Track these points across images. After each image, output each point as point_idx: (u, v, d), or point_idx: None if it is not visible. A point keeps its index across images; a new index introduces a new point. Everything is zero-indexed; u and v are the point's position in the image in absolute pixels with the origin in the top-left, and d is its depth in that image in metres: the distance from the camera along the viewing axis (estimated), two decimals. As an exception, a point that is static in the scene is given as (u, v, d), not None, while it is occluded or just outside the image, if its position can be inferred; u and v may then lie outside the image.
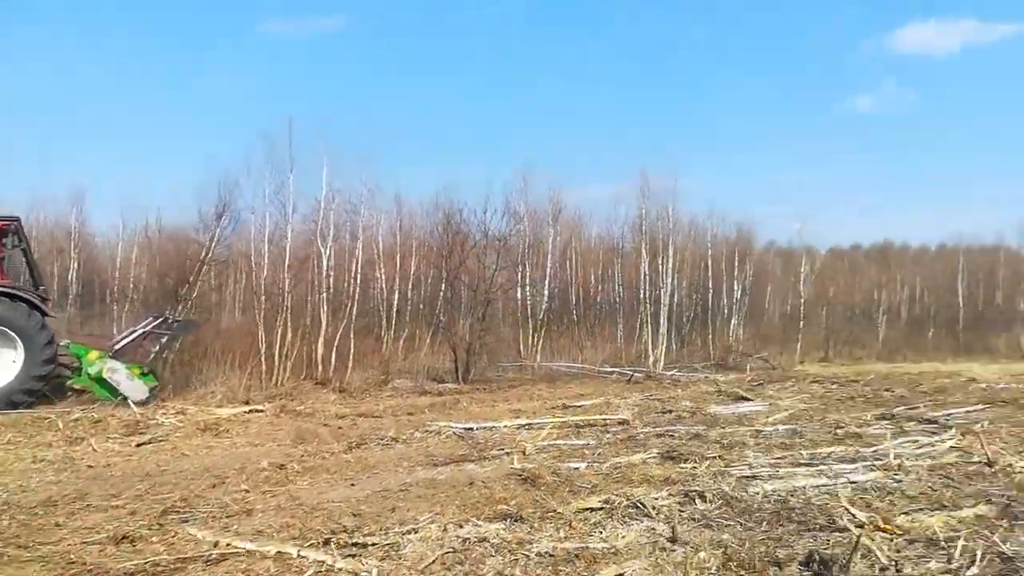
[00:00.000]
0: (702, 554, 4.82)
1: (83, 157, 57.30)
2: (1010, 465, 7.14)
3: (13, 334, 12.61)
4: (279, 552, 4.43)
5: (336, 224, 21.09)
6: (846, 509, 5.47)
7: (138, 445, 9.73)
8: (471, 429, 10.41)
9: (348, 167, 26.08)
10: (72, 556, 5.11)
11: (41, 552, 5.26)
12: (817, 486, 6.58)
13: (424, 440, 9.87)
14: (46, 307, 13.64)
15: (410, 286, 26.10)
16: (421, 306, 25.89)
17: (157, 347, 14.98)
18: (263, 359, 17.51)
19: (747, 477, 6.95)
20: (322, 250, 20.19)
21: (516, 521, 5.60)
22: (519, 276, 26.14)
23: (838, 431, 9.82)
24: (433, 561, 4.72)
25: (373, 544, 5.11)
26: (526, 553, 4.85)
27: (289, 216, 19.65)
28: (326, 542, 5.14)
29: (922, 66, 74.01)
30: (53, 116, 60.54)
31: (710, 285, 30.48)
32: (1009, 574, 4.15)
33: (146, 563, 4.86)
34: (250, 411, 12.94)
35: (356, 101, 63.88)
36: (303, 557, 4.34)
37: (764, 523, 5.48)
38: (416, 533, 5.35)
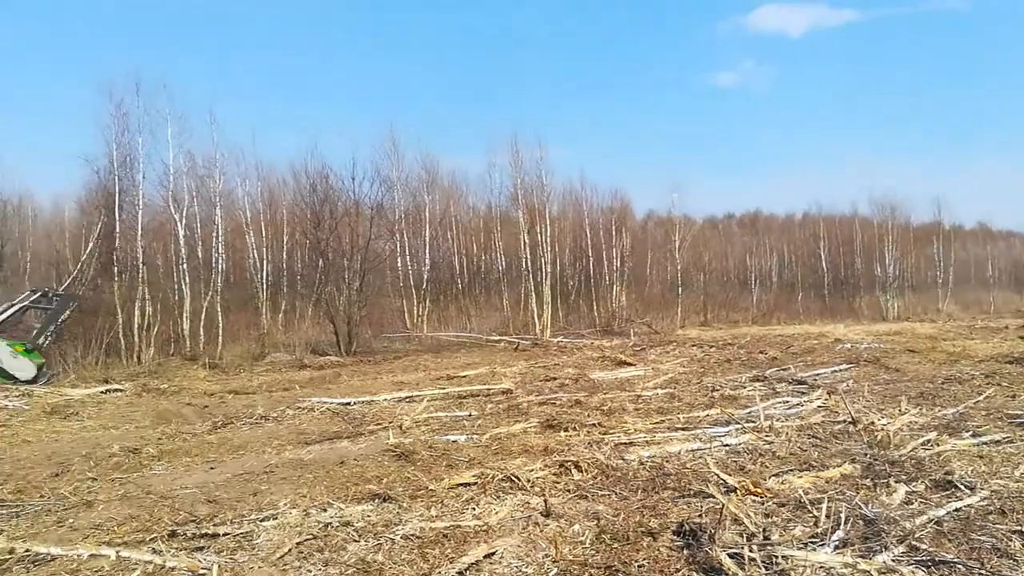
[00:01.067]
0: (576, 527, 4.68)
1: None
2: (872, 423, 7.41)
3: None
4: (92, 555, 3.89)
5: (190, 189, 19.75)
6: (716, 474, 5.47)
7: (-30, 432, 8.72)
8: (349, 404, 9.98)
9: (198, 127, 24.48)
10: None
11: None
12: (692, 451, 6.62)
13: (297, 417, 9.35)
14: None
15: (285, 256, 24.98)
16: (299, 277, 24.82)
17: (40, 323, 13.88)
18: (121, 335, 16.20)
19: (624, 444, 6.91)
20: (175, 217, 18.89)
21: (385, 501, 5.28)
22: (398, 245, 25.54)
23: (714, 394, 10.06)
24: (288, 551, 4.34)
25: (225, 534, 4.67)
26: (392, 536, 4.54)
27: (139, 182, 18.24)
28: (171, 534, 4.66)
29: (778, 45, 78.37)
30: None
31: (590, 253, 30.94)
32: (872, 536, 4.19)
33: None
34: (107, 391, 11.97)
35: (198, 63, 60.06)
36: (124, 558, 3.81)
37: (639, 491, 5.41)
38: (274, 520, 4.94)
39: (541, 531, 4.63)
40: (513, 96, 68.43)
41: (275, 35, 67.71)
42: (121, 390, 12.07)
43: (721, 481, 5.32)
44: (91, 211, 19.85)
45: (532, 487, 5.54)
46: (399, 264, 25.64)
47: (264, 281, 22.45)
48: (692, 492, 5.30)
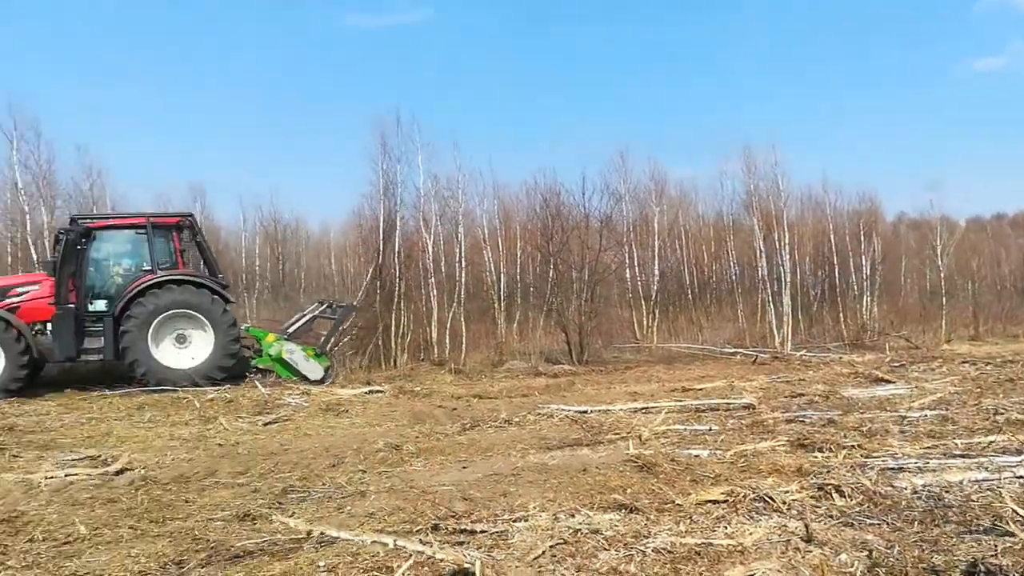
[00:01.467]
0: (843, 556, 4.32)
1: (189, 152, 59.58)
2: None
3: (203, 318, 13.81)
4: (373, 542, 4.30)
5: (436, 210, 22.01)
6: (1014, 510, 4.75)
7: (264, 424, 10.09)
8: (585, 412, 10.09)
9: (443, 152, 26.74)
10: (197, 532, 5.27)
11: (170, 527, 5.46)
12: (977, 481, 5.83)
13: (537, 423, 9.65)
14: (227, 294, 14.69)
15: (518, 269, 26.07)
16: (532, 288, 25.76)
17: (327, 331, 15.82)
18: (381, 342, 18.00)
19: (891, 469, 6.27)
20: (426, 236, 20.98)
21: (631, 512, 5.25)
22: (626, 256, 25.54)
23: (997, 418, 8.76)
24: (542, 553, 4.47)
25: (481, 531, 4.94)
26: (642, 548, 4.50)
27: (397, 205, 20.58)
28: (434, 528, 5.03)
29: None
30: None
31: (835, 260, 28.51)
32: None
33: (263, 542, 4.92)
34: (370, 392, 13.25)
35: (441, 90, 63.86)
36: (399, 547, 4.18)
37: (915, 523, 4.86)
38: (526, 521, 5.12)
39: (803, 557, 4.32)
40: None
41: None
42: (381, 391, 13.30)
43: (1020, 518, 4.61)
44: (365, 233, 22.65)
45: (788, 509, 5.21)
46: (627, 275, 25.67)
47: (500, 293, 23.61)
48: (982, 528, 4.67)
